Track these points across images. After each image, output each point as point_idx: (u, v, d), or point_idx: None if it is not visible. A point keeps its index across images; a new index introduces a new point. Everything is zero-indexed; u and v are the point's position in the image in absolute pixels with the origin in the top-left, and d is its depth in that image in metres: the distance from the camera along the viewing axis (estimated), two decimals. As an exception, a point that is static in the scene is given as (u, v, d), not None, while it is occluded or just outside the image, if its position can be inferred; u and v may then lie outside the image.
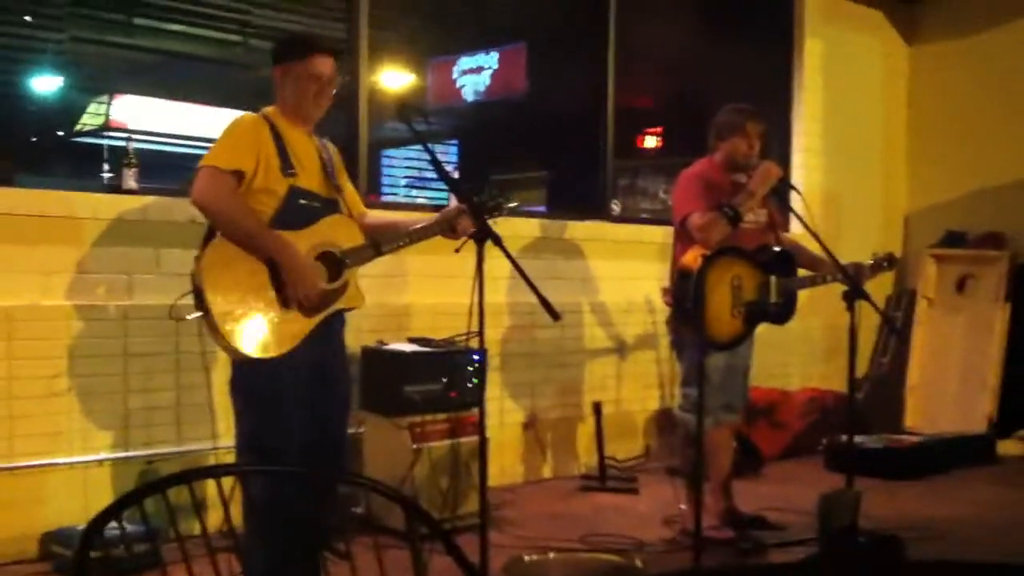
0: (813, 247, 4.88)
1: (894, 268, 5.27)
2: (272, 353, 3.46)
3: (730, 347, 4.75)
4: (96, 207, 4.74)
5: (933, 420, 7.69)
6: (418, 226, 3.85)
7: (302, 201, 3.57)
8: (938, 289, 8.16)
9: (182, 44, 5.94)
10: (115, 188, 4.87)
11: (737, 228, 4.70)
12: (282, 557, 3.48)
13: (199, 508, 1.98)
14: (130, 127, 5.92)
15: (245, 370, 3.51)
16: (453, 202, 5.73)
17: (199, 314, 3.42)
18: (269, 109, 3.70)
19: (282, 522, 3.38)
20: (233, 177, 3.46)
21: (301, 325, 3.54)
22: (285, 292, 3.46)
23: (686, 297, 4.44)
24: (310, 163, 3.66)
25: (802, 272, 5.02)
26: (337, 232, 3.66)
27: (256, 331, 3.42)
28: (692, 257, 4.53)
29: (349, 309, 3.72)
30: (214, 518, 4.60)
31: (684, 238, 4.84)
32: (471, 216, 3.68)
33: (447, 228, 3.84)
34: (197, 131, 6.46)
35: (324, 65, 3.72)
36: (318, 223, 3.61)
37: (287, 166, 3.56)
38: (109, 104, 6.28)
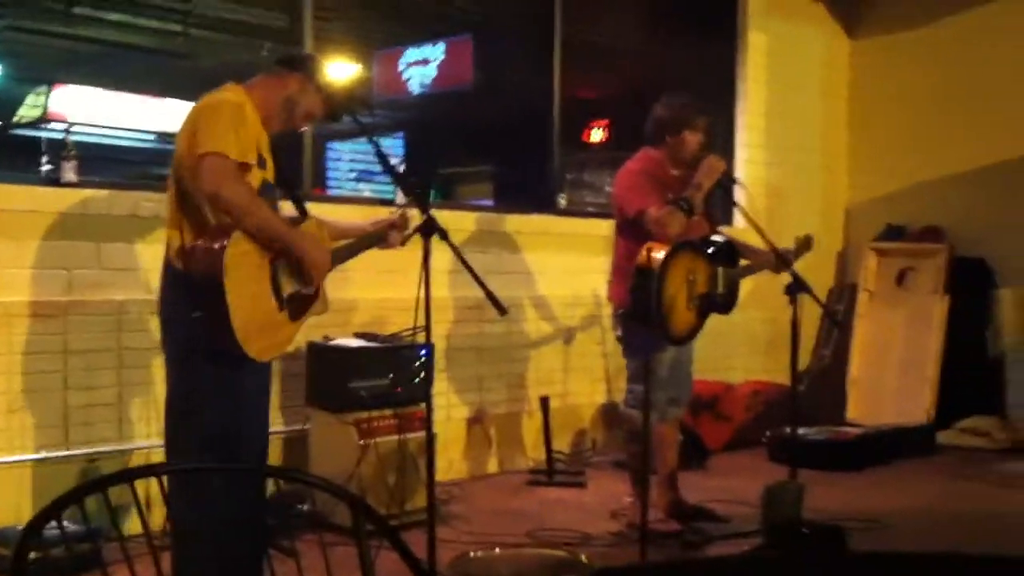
0: (755, 240, 4.92)
1: (811, 249, 5.39)
2: (269, 356, 3.40)
3: (686, 341, 4.79)
4: (34, 200, 4.64)
5: (875, 412, 7.79)
6: (350, 241, 3.87)
7: (268, 196, 3.46)
8: (878, 282, 8.27)
9: (122, 34, 5.86)
10: (54, 181, 4.77)
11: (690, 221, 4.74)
12: (232, 556, 3.42)
13: (141, 507, 1.95)
14: (69, 118, 5.82)
15: (225, 368, 3.34)
16: (400, 196, 5.70)
17: (198, 314, 3.22)
18: (240, 92, 3.49)
19: (236, 521, 3.32)
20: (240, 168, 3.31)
21: (291, 330, 3.49)
22: (293, 296, 3.41)
23: (647, 295, 4.42)
24: (267, 154, 3.54)
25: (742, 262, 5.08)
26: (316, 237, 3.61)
27: (260, 332, 3.30)
28: (646, 255, 4.51)
29: (319, 314, 3.66)
30: (156, 517, 4.54)
31: (629, 234, 4.84)
32: (419, 213, 3.67)
33: (378, 241, 3.89)
34: (138, 122, 6.37)
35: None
36: (302, 226, 3.54)
37: (260, 159, 3.45)
38: (48, 95, 6.17)
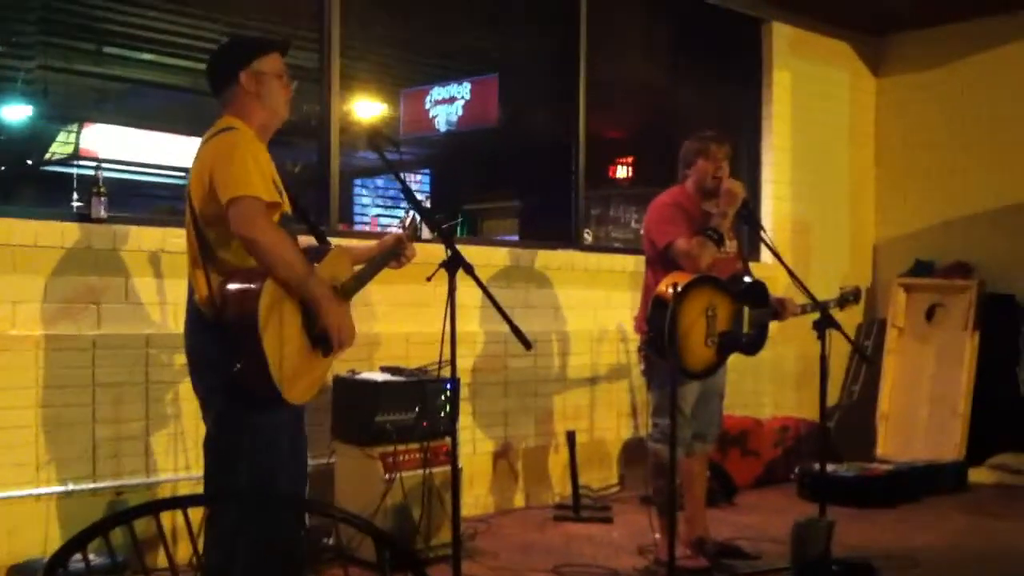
0: (780, 273, 4.90)
1: (859, 302, 5.34)
2: (307, 397, 3.37)
3: (703, 376, 4.76)
4: (65, 236, 4.69)
5: (905, 448, 7.72)
6: (365, 264, 3.77)
7: (287, 228, 3.39)
8: (907, 318, 8.21)
9: (152, 73, 5.92)
10: (84, 217, 4.82)
11: (719, 252, 4.74)
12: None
13: (166, 540, 1.95)
14: (100, 156, 5.88)
15: (262, 414, 3.31)
16: (425, 232, 5.72)
17: (238, 367, 3.15)
18: (239, 122, 3.41)
19: (277, 556, 3.30)
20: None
21: (323, 367, 3.46)
22: (322, 336, 3.32)
23: (661, 326, 4.43)
24: (280, 184, 3.45)
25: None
26: (336, 267, 3.53)
27: (296, 375, 3.26)
28: (667, 286, 4.53)
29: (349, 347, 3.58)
30: (182, 550, 4.55)
31: (658, 265, 4.84)
32: (442, 240, 3.64)
33: (392, 256, 3.84)
34: (168, 160, 6.44)
35: (280, 60, 3.54)
36: (325, 259, 3.46)
37: (278, 192, 3.37)
38: (79, 133, 6.24)
